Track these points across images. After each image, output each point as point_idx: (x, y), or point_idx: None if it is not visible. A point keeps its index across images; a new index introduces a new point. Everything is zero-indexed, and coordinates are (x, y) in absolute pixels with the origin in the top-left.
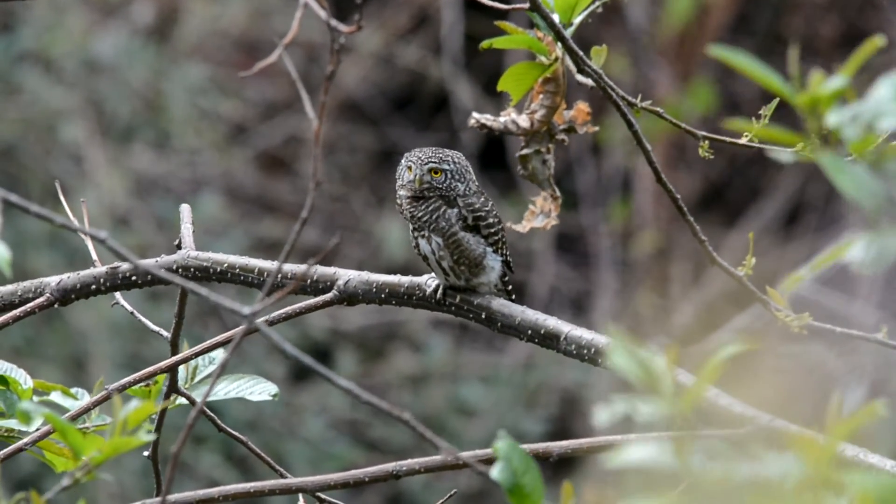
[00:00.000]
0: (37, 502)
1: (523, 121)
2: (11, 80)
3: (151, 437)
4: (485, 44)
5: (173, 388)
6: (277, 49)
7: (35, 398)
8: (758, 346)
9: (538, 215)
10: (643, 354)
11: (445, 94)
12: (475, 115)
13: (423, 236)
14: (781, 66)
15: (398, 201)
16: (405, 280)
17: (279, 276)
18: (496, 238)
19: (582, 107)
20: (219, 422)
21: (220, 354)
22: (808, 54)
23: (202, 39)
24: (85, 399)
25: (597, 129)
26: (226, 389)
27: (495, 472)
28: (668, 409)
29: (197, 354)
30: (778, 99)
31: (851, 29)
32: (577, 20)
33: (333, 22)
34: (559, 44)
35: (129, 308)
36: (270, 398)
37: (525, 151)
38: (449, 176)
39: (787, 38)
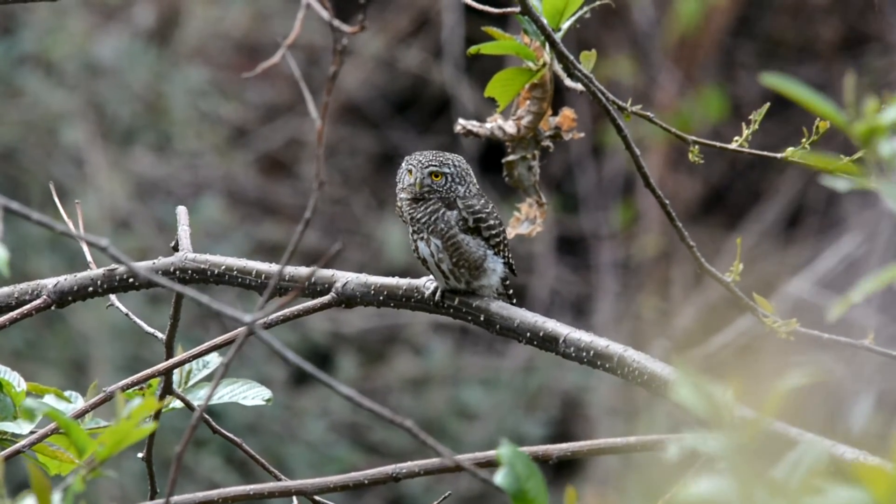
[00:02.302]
0: (44, 499)
1: (510, 127)
2: (12, 83)
3: (153, 426)
4: (472, 49)
5: (168, 391)
6: (280, 50)
7: (24, 402)
8: (812, 385)
9: (523, 222)
10: (707, 387)
11: (447, 97)
12: (461, 121)
13: (422, 239)
14: (782, 68)
15: (398, 204)
16: (403, 282)
17: (281, 279)
18: (497, 240)
19: (568, 113)
20: (214, 424)
21: (213, 358)
22: (809, 57)
23: (203, 42)
24: (79, 402)
25: (582, 135)
26: (220, 394)
27: (499, 477)
28: (732, 441)
29: (195, 357)
30: (768, 104)
31: (852, 32)
32: (566, 25)
33: (336, 23)
34: (546, 49)
35: (125, 310)
36: (264, 402)
37: (511, 157)
38: (449, 179)
39: (787, 41)
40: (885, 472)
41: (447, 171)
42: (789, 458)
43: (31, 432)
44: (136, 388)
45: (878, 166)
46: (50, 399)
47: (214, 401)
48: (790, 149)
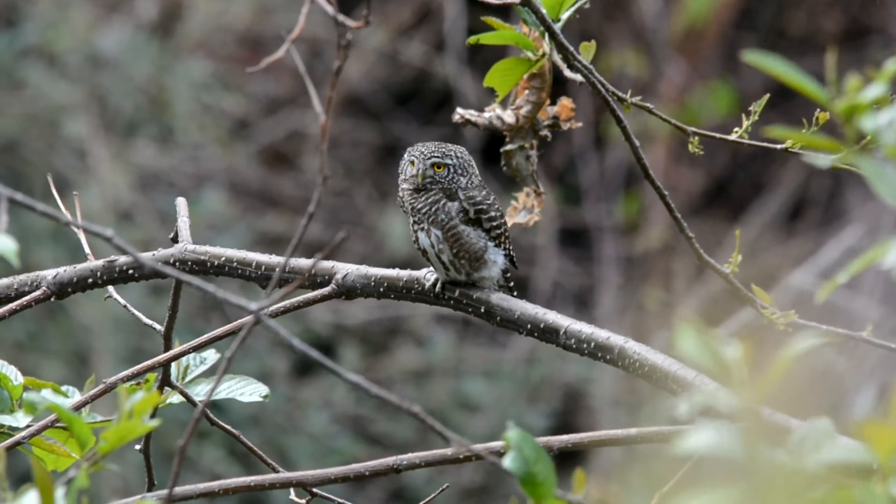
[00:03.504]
0: (46, 493)
1: (508, 116)
2: (15, 75)
3: (155, 423)
4: (472, 39)
5: (166, 383)
6: (285, 44)
7: (25, 395)
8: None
9: (521, 211)
10: (715, 343)
11: (449, 89)
12: (459, 110)
13: (422, 229)
14: (785, 61)
15: (400, 195)
16: (404, 274)
17: (284, 270)
18: (498, 232)
19: (566, 102)
20: (212, 416)
21: (211, 355)
22: (811, 49)
23: (206, 35)
24: (76, 397)
25: (580, 124)
26: (217, 390)
27: (507, 461)
28: (740, 399)
29: (200, 346)
30: (768, 95)
31: (854, 24)
32: (565, 15)
33: (341, 17)
34: (546, 39)
35: (122, 301)
36: (261, 399)
37: (509, 147)
38: (452, 170)
39: (790, 34)
40: (889, 431)
41: (449, 162)
42: (793, 438)
43: (28, 426)
44: (134, 381)
45: (859, 143)
46: (47, 393)
47: (211, 398)
48: (789, 141)
